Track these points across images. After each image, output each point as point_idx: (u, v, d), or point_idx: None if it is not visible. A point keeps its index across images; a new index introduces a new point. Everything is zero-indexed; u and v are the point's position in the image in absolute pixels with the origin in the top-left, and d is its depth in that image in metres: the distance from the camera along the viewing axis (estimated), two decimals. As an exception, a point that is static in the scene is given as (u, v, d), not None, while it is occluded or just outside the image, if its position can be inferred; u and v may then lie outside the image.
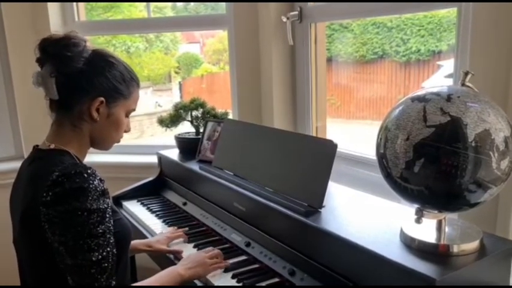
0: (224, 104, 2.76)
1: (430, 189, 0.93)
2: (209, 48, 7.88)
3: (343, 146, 1.87)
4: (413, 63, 3.95)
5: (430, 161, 0.90)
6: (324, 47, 2.23)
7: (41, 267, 1.02)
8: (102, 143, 1.16)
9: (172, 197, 1.97)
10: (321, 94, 2.18)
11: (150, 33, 5.73)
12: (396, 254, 1.00)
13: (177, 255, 1.44)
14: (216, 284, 1.26)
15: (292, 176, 1.37)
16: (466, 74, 0.99)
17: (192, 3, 5.45)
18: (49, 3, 2.40)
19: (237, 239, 1.47)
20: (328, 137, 2.17)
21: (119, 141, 1.19)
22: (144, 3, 2.62)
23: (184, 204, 1.85)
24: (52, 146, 1.07)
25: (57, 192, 0.95)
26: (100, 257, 0.95)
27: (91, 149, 1.16)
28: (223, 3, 2.32)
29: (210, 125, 1.95)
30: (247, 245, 1.42)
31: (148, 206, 1.91)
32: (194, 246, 1.50)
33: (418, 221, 1.01)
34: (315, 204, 1.27)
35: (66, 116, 1.09)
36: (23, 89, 2.40)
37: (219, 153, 1.75)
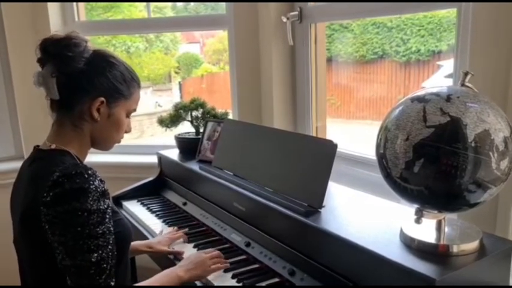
0: (224, 104, 2.76)
1: (430, 189, 0.93)
2: (209, 48, 7.88)
3: (343, 146, 1.87)
4: (413, 63, 3.96)
5: (430, 161, 0.91)
6: (324, 47, 2.24)
7: (41, 267, 1.02)
8: (103, 143, 1.16)
9: (172, 197, 1.97)
10: (321, 94, 2.19)
11: (150, 33, 5.73)
12: (396, 254, 1.00)
13: (178, 256, 1.44)
14: (216, 284, 1.26)
15: (292, 176, 1.37)
16: (466, 74, 0.99)
17: (192, 3, 5.45)
18: (49, 3, 2.40)
19: (237, 239, 1.48)
20: (328, 137, 2.17)
21: (119, 142, 1.19)
22: (144, 3, 2.62)
23: (184, 204, 1.85)
24: (53, 146, 1.08)
25: (57, 193, 0.95)
26: (99, 257, 0.95)
27: (91, 149, 1.16)
28: (223, 3, 2.32)
29: (210, 125, 1.95)
30: (247, 245, 1.42)
31: (149, 206, 1.91)
32: (194, 246, 1.50)
33: (417, 221, 1.01)
34: (314, 204, 1.27)
35: (67, 116, 1.09)
36: (23, 89, 2.41)
37: (219, 153, 1.75)
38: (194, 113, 2.09)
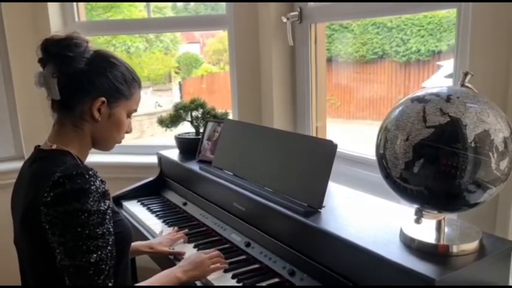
0: (224, 104, 2.76)
1: (430, 189, 0.93)
2: (209, 48, 7.88)
3: (343, 146, 1.87)
4: (413, 63, 3.96)
5: (430, 161, 0.91)
6: (324, 47, 2.24)
7: (42, 267, 1.02)
8: (104, 144, 1.16)
9: (173, 197, 1.97)
10: (321, 94, 2.19)
11: (150, 34, 5.73)
12: (396, 254, 1.00)
13: (179, 257, 1.44)
14: (216, 284, 1.26)
15: (292, 176, 1.37)
16: (466, 74, 0.99)
17: (192, 3, 5.45)
18: (49, 3, 2.40)
19: (237, 239, 1.48)
20: (328, 137, 2.17)
21: (120, 142, 1.19)
22: (144, 3, 2.62)
23: (185, 204, 1.85)
24: (54, 147, 1.08)
25: (58, 193, 0.95)
26: (98, 258, 0.95)
27: (91, 149, 1.16)
28: (223, 3, 2.32)
29: (210, 125, 1.95)
30: (247, 245, 1.42)
31: (149, 206, 1.92)
32: (194, 247, 1.50)
33: (417, 221, 1.01)
34: (314, 204, 1.27)
35: (67, 116, 1.09)
36: (23, 89, 2.41)
37: (219, 154, 1.75)
38: (194, 113, 2.09)
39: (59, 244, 0.95)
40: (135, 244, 1.45)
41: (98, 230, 0.96)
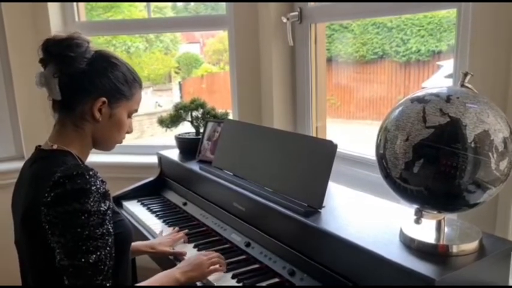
0: (224, 104, 2.76)
1: (430, 189, 0.93)
2: (209, 48, 7.89)
3: (343, 146, 1.87)
4: (413, 63, 3.96)
5: (430, 161, 0.91)
6: (324, 47, 2.24)
7: (42, 267, 1.02)
8: (104, 144, 1.16)
9: (173, 197, 1.97)
10: (321, 94, 2.19)
11: (150, 34, 5.73)
12: (396, 254, 1.00)
13: (179, 257, 1.44)
14: (216, 284, 1.26)
15: (292, 176, 1.37)
16: (466, 74, 0.99)
17: (192, 3, 5.46)
18: (49, 3, 2.40)
19: (237, 239, 1.48)
20: (328, 137, 2.17)
21: (121, 142, 1.19)
22: (144, 3, 2.62)
23: (185, 204, 1.85)
24: (54, 147, 1.08)
25: (58, 193, 0.95)
26: (97, 259, 0.95)
27: (91, 149, 1.17)
28: (223, 3, 2.32)
29: (210, 125, 1.95)
30: (247, 245, 1.42)
31: (149, 206, 1.92)
32: (194, 247, 1.50)
33: (417, 221, 1.01)
34: (314, 204, 1.27)
35: (68, 116, 1.09)
36: (24, 89, 2.41)
37: (219, 154, 1.75)
38: (194, 113, 2.09)
39: (58, 244, 0.95)
40: (136, 244, 1.45)
41: (97, 230, 0.96)
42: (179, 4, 5.56)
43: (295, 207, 1.29)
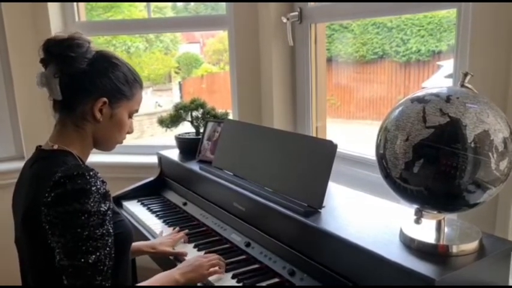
0: (224, 104, 2.76)
1: (430, 189, 0.93)
2: (209, 48, 7.89)
3: (343, 146, 1.87)
4: (413, 63, 3.96)
5: (430, 161, 0.91)
6: (324, 47, 2.24)
7: (42, 267, 1.02)
8: (105, 144, 1.16)
9: (173, 197, 1.97)
10: (321, 94, 2.19)
11: (150, 34, 5.73)
12: (396, 254, 1.00)
13: (180, 258, 1.44)
14: (216, 284, 1.26)
15: (292, 176, 1.37)
16: (465, 75, 0.99)
17: (192, 3, 5.46)
18: (49, 3, 2.40)
19: (237, 239, 1.48)
20: (328, 137, 2.18)
21: (121, 142, 1.19)
22: (144, 3, 2.62)
23: (185, 204, 1.85)
24: (55, 147, 1.08)
25: (58, 193, 0.95)
26: (97, 259, 0.95)
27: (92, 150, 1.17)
28: (223, 3, 2.32)
29: (210, 125, 1.95)
30: (247, 245, 1.42)
31: (149, 206, 1.92)
32: (194, 247, 1.50)
33: (417, 221, 1.01)
34: (314, 204, 1.27)
35: (69, 116, 1.10)
36: (24, 89, 2.41)
37: (219, 154, 1.76)
38: (194, 113, 2.09)
39: (58, 244, 0.95)
40: (137, 244, 1.46)
41: (97, 231, 0.96)
42: (179, 4, 5.56)
43: (295, 207, 1.29)
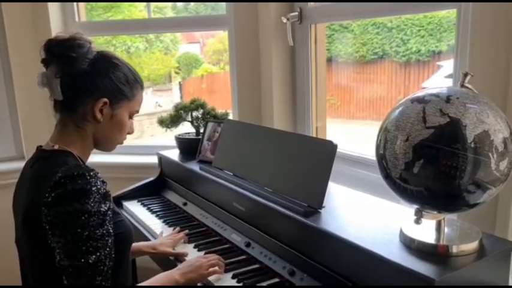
0: (224, 104, 2.76)
1: (430, 190, 0.93)
2: (209, 49, 7.88)
3: (343, 146, 1.87)
4: (413, 63, 3.96)
5: (430, 162, 0.91)
6: (324, 47, 2.24)
7: (42, 267, 1.02)
8: (105, 144, 1.16)
9: (173, 197, 1.97)
10: (321, 94, 2.19)
11: (150, 34, 5.73)
12: (396, 254, 1.00)
13: (180, 258, 1.44)
14: (216, 284, 1.26)
15: (292, 177, 1.37)
16: (465, 75, 0.99)
17: (192, 3, 5.46)
18: (49, 3, 2.40)
19: (237, 239, 1.48)
20: (328, 137, 2.18)
21: (122, 143, 1.19)
22: (144, 3, 2.62)
23: (185, 204, 1.85)
24: (56, 147, 1.08)
25: (59, 193, 0.95)
26: (97, 259, 0.95)
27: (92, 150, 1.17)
28: (223, 4, 2.32)
29: (210, 125, 1.95)
30: (247, 245, 1.42)
31: (149, 206, 1.92)
32: (194, 247, 1.50)
33: (417, 221, 1.01)
34: (314, 204, 1.27)
35: (70, 116, 1.10)
36: (24, 89, 2.41)
37: (219, 154, 1.76)
38: (194, 114, 2.10)
39: (58, 244, 0.95)
40: (138, 245, 1.46)
41: (97, 231, 0.96)
42: (179, 4, 5.56)
43: (295, 207, 1.29)
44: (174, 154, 2.07)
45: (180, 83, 7.68)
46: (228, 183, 1.59)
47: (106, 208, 0.98)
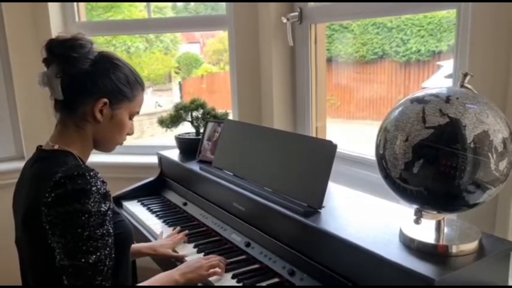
0: (224, 104, 2.76)
1: (429, 190, 0.93)
2: (209, 49, 7.89)
3: (343, 146, 1.87)
4: (413, 63, 3.96)
5: (429, 162, 0.91)
6: (324, 47, 2.24)
7: (42, 267, 1.02)
8: (105, 145, 1.16)
9: (173, 197, 1.97)
10: (321, 94, 2.19)
11: (150, 34, 5.73)
12: (395, 254, 1.01)
13: (181, 260, 1.44)
14: (216, 284, 1.26)
15: (292, 177, 1.37)
16: (465, 75, 0.99)
17: (192, 3, 5.46)
18: (49, 3, 2.40)
19: (237, 239, 1.48)
20: (328, 137, 2.18)
21: (121, 144, 1.19)
22: (144, 3, 2.62)
23: (185, 204, 1.85)
24: (56, 147, 1.08)
25: (59, 193, 0.95)
26: (97, 259, 0.95)
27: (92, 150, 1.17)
28: (223, 4, 2.33)
29: (210, 125, 1.96)
30: (247, 245, 1.42)
31: (149, 206, 1.92)
32: (194, 247, 1.50)
33: (417, 221, 1.01)
34: (314, 204, 1.27)
35: (70, 116, 1.10)
36: (24, 89, 2.41)
37: (219, 154, 1.76)
38: (194, 114, 2.10)
39: (58, 244, 0.95)
40: (137, 246, 1.46)
41: (97, 231, 0.96)
42: (179, 4, 5.57)
43: (295, 207, 1.29)
44: (174, 154, 2.07)
45: (180, 83, 7.69)
46: (228, 183, 1.59)
47: (106, 208, 0.98)
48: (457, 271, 0.93)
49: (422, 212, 1.00)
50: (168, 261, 1.46)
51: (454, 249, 0.99)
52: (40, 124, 2.38)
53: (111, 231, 1.00)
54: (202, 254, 1.44)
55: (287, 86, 2.19)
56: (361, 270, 1.06)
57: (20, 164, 1.16)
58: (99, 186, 0.98)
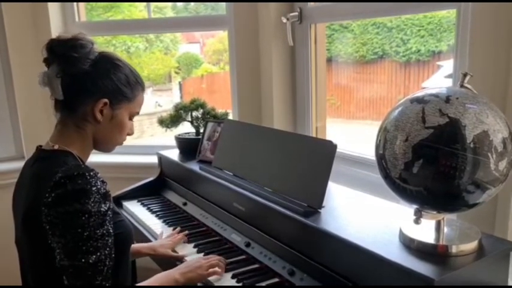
0: (224, 104, 2.76)
1: (429, 190, 0.93)
2: (209, 49, 7.89)
3: (343, 146, 1.88)
4: (413, 63, 3.96)
5: (429, 162, 0.91)
6: (324, 47, 2.24)
7: (42, 267, 1.03)
8: (105, 145, 1.16)
9: (173, 197, 1.97)
10: (321, 94, 2.19)
11: (150, 34, 5.73)
12: (395, 254, 1.01)
13: (181, 260, 1.44)
14: (216, 284, 1.27)
15: (292, 177, 1.37)
16: (465, 75, 0.99)
17: (192, 3, 5.46)
18: (49, 3, 2.40)
19: (237, 239, 1.48)
20: (328, 137, 2.18)
21: (121, 144, 1.19)
22: (144, 3, 2.62)
23: (185, 204, 1.85)
24: (56, 147, 1.08)
25: (59, 194, 0.95)
26: (97, 259, 0.96)
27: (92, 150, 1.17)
28: (223, 4, 2.33)
29: (210, 125, 1.96)
30: (247, 245, 1.42)
31: (149, 206, 1.92)
32: (194, 247, 1.50)
33: (417, 221, 1.01)
34: (314, 204, 1.27)
35: (70, 116, 1.10)
36: (24, 89, 2.41)
37: (219, 154, 1.76)
38: (194, 114, 2.10)
39: (58, 244, 0.96)
40: (137, 246, 1.46)
41: (97, 231, 0.96)
42: (179, 4, 5.57)
43: (295, 207, 1.29)
44: (174, 154, 2.07)
45: (180, 83, 7.69)
46: (228, 183, 1.59)
47: (106, 208, 0.98)
48: (457, 271, 0.93)
49: (422, 212, 1.00)
50: (168, 261, 1.46)
51: (453, 249, 0.99)
52: (40, 124, 2.38)
53: (111, 231, 1.00)
54: (202, 254, 1.44)
55: (287, 86, 2.19)
56: (361, 270, 1.06)
57: (20, 164, 1.16)
58: (99, 186, 0.98)
